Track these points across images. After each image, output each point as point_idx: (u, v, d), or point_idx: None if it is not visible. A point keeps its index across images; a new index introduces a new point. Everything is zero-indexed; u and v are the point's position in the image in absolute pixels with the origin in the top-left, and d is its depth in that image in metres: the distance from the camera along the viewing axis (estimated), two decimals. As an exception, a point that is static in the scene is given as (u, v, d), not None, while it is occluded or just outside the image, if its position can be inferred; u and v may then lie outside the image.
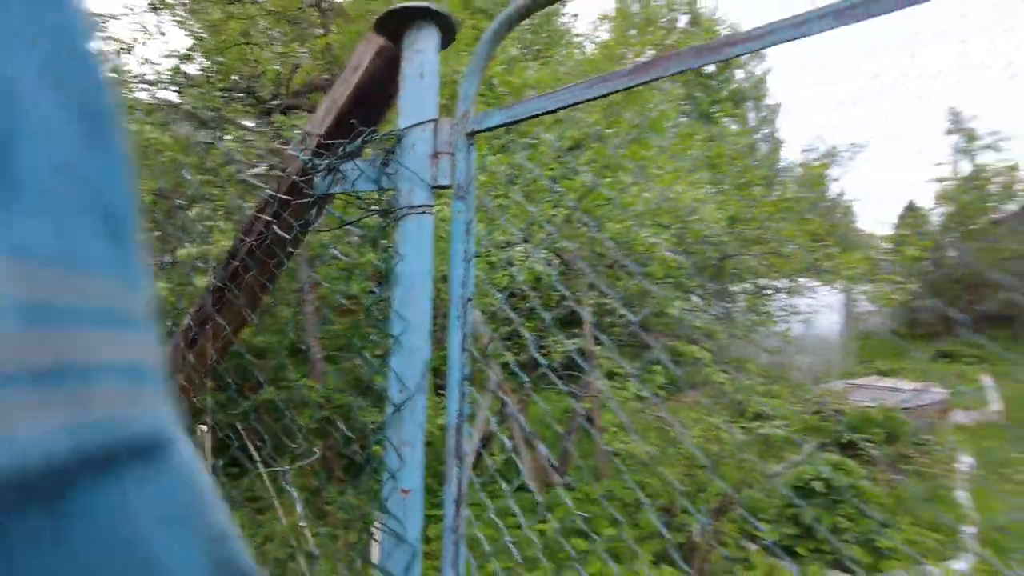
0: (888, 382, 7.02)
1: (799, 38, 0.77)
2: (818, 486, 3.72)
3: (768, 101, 24.22)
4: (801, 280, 5.83)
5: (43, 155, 0.18)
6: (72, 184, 0.18)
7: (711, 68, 21.95)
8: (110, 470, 0.18)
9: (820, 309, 6.74)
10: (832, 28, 0.76)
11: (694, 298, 4.99)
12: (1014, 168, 15.34)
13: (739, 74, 23.37)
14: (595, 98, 0.90)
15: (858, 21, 0.72)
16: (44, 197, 0.17)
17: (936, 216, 16.98)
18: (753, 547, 3.52)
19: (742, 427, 4.02)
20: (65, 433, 0.17)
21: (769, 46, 0.76)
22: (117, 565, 0.18)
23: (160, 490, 0.20)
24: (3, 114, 0.17)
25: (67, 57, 0.19)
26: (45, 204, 0.17)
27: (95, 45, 0.21)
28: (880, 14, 0.70)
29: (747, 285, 5.49)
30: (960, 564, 3.31)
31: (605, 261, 4.64)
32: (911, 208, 19.84)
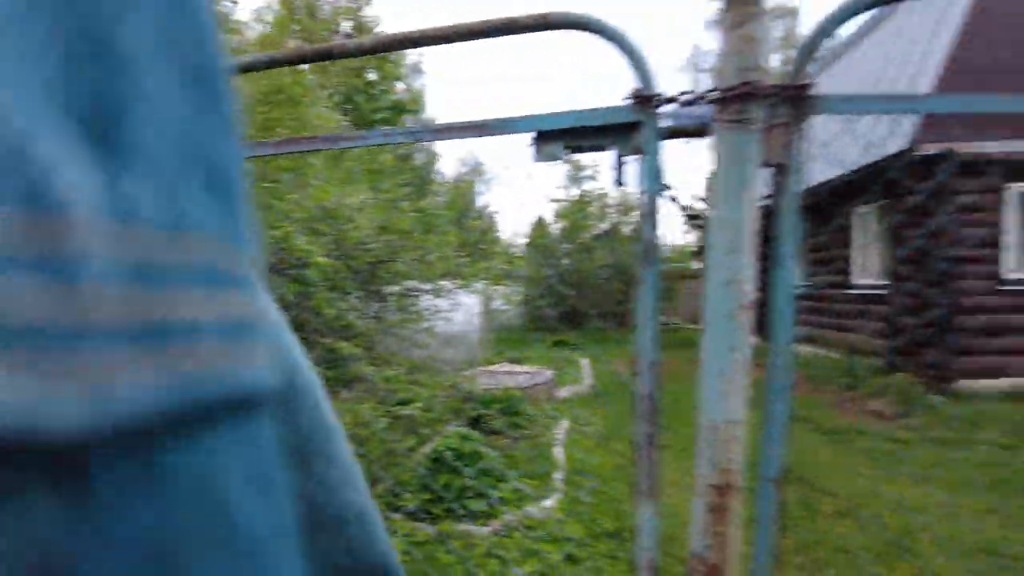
0: (514, 368, 8.45)
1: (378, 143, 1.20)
2: (449, 456, 4.45)
3: (425, 115, 26.05)
4: (445, 283, 6.72)
5: (154, 120, 0.18)
6: (182, 148, 0.19)
7: (373, 76, 22.77)
8: (204, 429, 0.18)
9: (461, 308, 7.81)
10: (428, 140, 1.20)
11: (352, 300, 5.41)
12: (604, 195, 19.55)
13: (400, 85, 24.66)
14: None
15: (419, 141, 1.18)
16: (154, 162, 0.18)
17: (555, 230, 20.51)
18: (397, 515, 4.07)
19: (387, 411, 4.57)
20: (162, 390, 0.17)
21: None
22: (201, 526, 0.18)
23: (252, 451, 0.20)
24: (116, 78, 0.17)
25: (181, 17, 0.19)
26: (154, 169, 0.17)
27: (209, 4, 0.21)
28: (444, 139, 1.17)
29: (397, 287, 6.13)
30: (549, 501, 4.33)
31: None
32: (539, 222, 23.49)
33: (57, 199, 0.15)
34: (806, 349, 10.90)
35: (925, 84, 7.82)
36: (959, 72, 7.86)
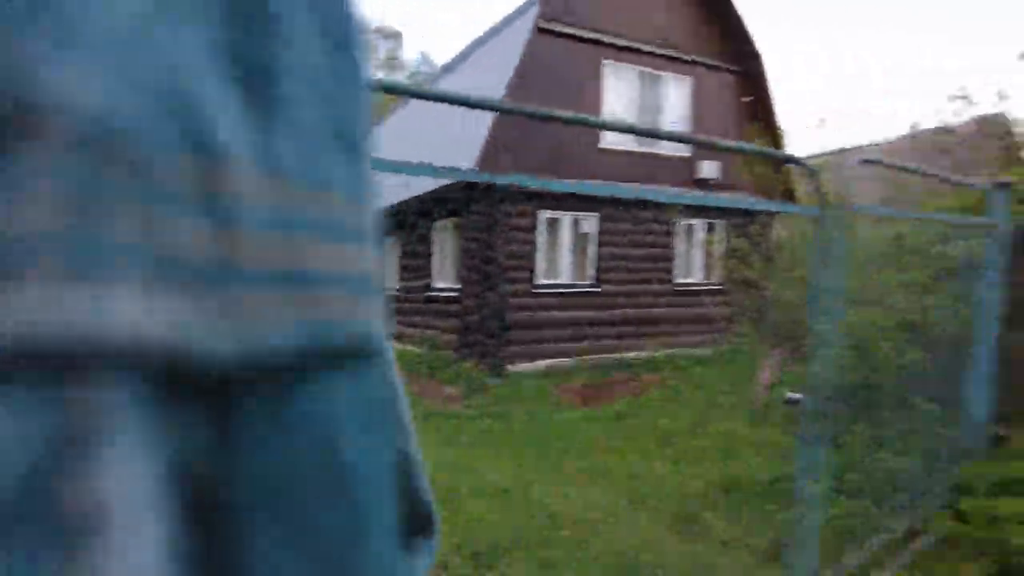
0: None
1: None
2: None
3: None
4: None
5: (302, 81, 0.19)
6: (324, 110, 0.20)
7: None
8: (330, 373, 0.19)
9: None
10: None
11: None
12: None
13: None
14: None
15: None
16: (300, 121, 0.19)
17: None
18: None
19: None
20: (298, 332, 0.18)
21: None
22: (320, 461, 0.19)
23: (365, 397, 0.21)
24: (270, 40, 0.18)
25: None
26: (300, 127, 0.19)
27: None
28: None
29: None
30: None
31: None
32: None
33: (220, 149, 0.16)
34: (397, 346, 12.16)
35: (484, 126, 9.53)
36: (512, 117, 9.76)
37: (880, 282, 3.44)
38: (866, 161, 2.39)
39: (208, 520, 0.17)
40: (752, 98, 11.40)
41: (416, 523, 0.33)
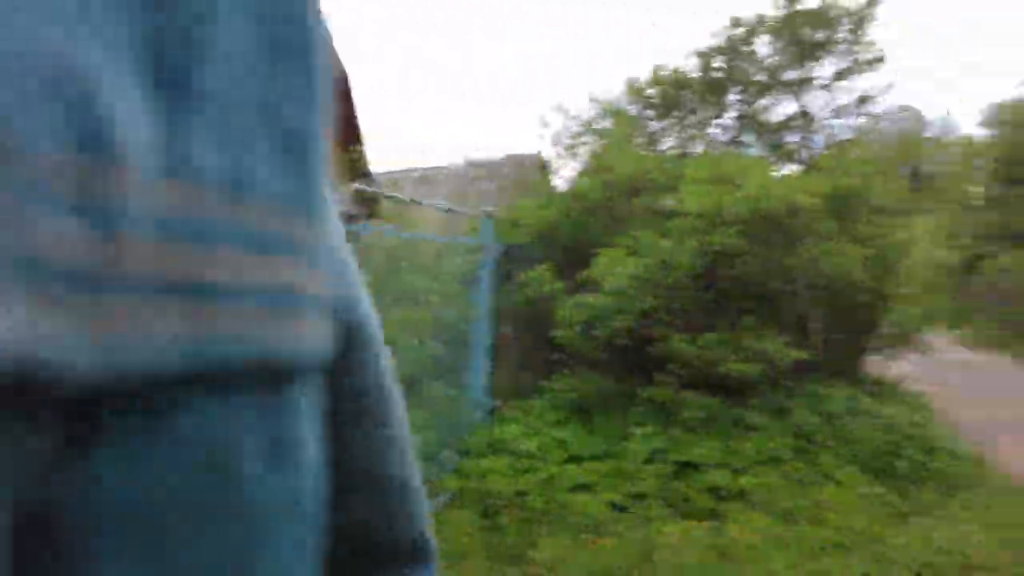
0: None
1: None
2: None
3: None
4: None
5: (226, 74, 0.17)
6: (254, 108, 0.18)
7: None
8: (224, 393, 0.17)
9: None
10: None
11: None
12: None
13: None
14: None
15: None
16: (220, 116, 0.17)
17: None
18: None
19: None
20: (184, 347, 0.16)
21: None
22: (203, 492, 0.17)
23: (274, 424, 0.19)
24: (191, 27, 0.16)
25: None
26: (220, 123, 0.17)
27: None
28: None
29: None
30: None
31: None
32: None
33: (110, 144, 0.14)
34: None
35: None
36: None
37: (402, 289, 4.12)
38: (359, 188, 2.88)
39: (47, 546, 0.15)
40: (340, 115, 11.99)
41: (406, 551, 0.32)
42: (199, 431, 0.17)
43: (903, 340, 6.64)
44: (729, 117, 13.12)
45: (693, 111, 13.03)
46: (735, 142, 12.53)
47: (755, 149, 12.06)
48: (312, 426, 0.21)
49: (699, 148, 12.03)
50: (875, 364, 7.07)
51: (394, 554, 0.32)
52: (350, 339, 0.28)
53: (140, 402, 0.16)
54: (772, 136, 12.63)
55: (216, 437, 0.17)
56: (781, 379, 4.98)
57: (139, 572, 0.16)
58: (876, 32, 14.60)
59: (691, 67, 12.93)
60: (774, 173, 6.38)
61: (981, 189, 19.02)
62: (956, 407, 7.87)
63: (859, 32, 11.72)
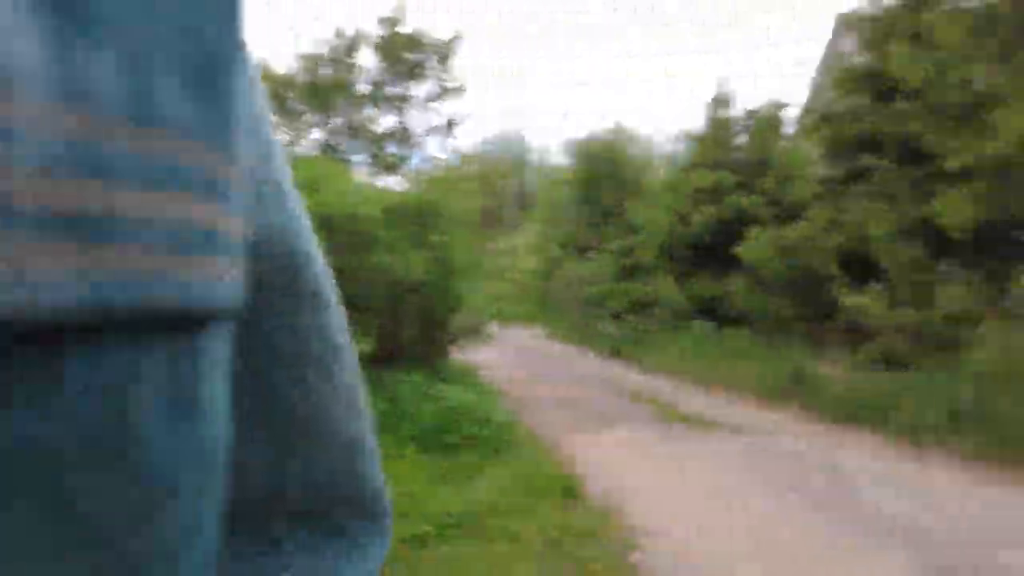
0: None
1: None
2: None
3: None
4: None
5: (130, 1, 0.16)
6: (161, 31, 0.17)
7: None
8: (122, 340, 0.16)
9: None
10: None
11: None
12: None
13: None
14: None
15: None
16: (121, 39, 0.16)
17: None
18: None
19: None
20: (78, 289, 0.15)
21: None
22: (97, 444, 0.16)
23: (178, 373, 0.18)
24: None
25: None
26: (121, 47, 0.16)
27: None
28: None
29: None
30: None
31: None
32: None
33: None
34: None
35: None
36: None
37: None
38: None
39: None
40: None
41: (361, 508, 0.32)
42: (96, 378, 0.16)
43: (474, 332, 7.84)
44: (335, 123, 13.50)
45: (301, 114, 13.22)
46: (332, 148, 13.01)
47: (358, 157, 12.86)
48: (223, 375, 0.21)
49: (301, 151, 12.27)
50: (458, 354, 8.21)
51: (333, 509, 0.32)
52: (286, 274, 0.28)
53: (29, 349, 0.15)
54: (374, 146, 13.45)
55: (115, 385, 0.16)
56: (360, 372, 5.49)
57: (35, 521, 0.15)
58: (460, 65, 16.61)
59: (297, 70, 13.07)
60: (361, 181, 6.90)
61: (562, 207, 23.18)
62: (524, 387, 9.60)
63: (445, 63, 13.25)
